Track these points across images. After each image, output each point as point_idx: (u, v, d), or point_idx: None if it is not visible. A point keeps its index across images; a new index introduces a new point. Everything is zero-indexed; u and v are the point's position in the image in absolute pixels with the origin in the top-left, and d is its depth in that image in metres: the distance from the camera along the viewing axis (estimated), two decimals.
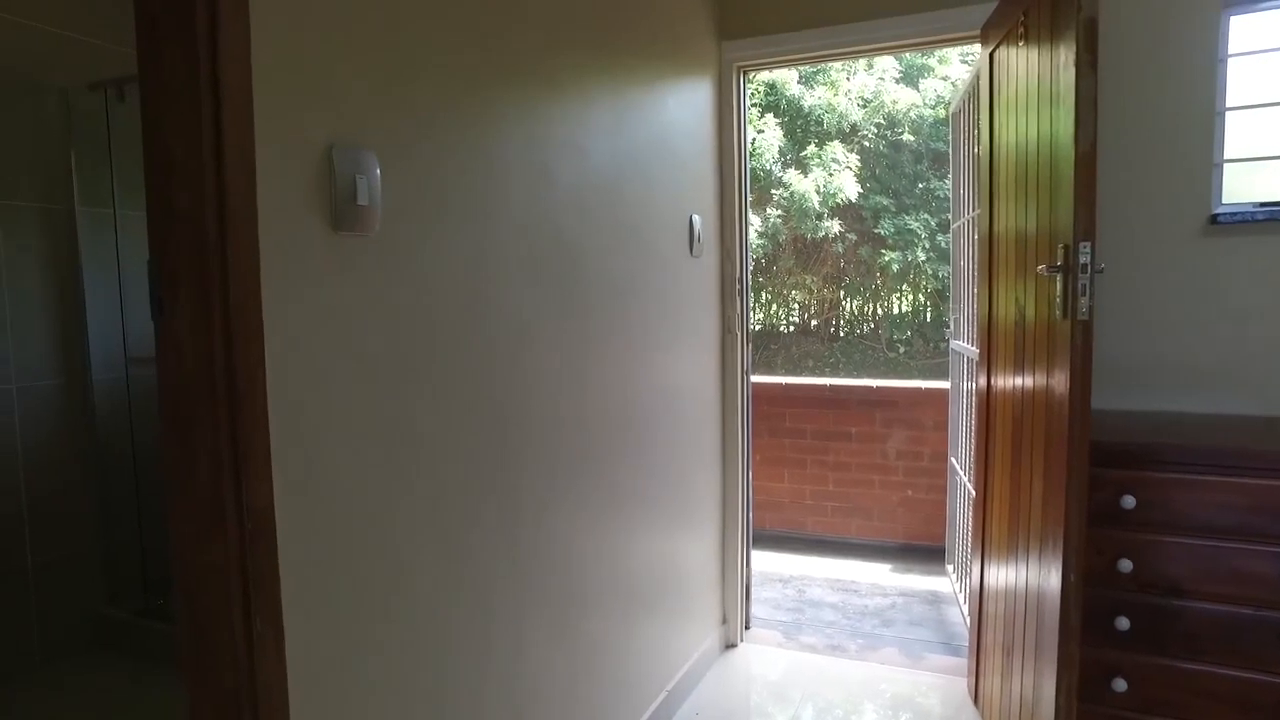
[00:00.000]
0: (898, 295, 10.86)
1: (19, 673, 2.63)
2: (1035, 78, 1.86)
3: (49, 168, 2.71)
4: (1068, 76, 1.58)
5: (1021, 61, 1.99)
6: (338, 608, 1.25)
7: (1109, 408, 2.29)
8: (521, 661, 1.72)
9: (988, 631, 2.35)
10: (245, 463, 1.07)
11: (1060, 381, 1.66)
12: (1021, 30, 1.96)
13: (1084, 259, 1.57)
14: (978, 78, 2.82)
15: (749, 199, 3.02)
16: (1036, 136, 1.86)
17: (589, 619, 1.99)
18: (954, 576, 3.52)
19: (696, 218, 2.62)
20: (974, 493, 2.87)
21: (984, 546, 2.40)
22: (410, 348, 1.39)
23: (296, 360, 1.16)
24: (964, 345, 3.24)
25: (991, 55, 2.32)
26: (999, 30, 2.22)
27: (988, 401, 2.39)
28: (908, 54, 8.74)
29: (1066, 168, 1.61)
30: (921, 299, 10.66)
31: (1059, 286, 1.63)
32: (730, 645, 3.02)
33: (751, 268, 3.24)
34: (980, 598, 2.42)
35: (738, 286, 2.90)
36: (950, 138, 3.59)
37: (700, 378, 2.74)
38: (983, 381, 2.43)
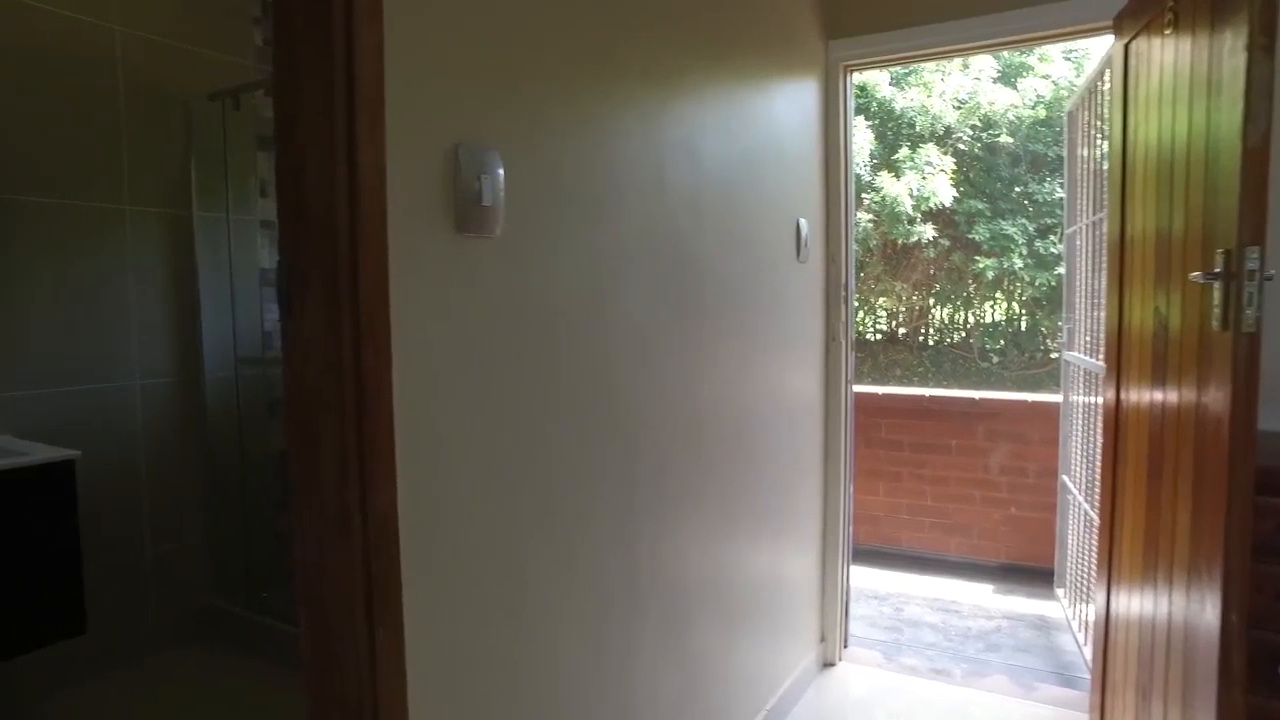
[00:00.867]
0: (991, 303, 10.46)
1: (134, 656, 2.74)
2: (1187, 67, 1.71)
3: (172, 176, 2.82)
4: (1234, 63, 1.44)
5: (1168, 51, 1.84)
6: (454, 617, 1.22)
7: (1272, 428, 2.10)
8: (631, 674, 1.67)
9: (1115, 666, 2.19)
10: (371, 467, 1.05)
11: (1216, 399, 1.52)
12: (1170, 17, 1.81)
13: (1251, 265, 1.43)
14: (1104, 73, 2.65)
15: (854, 202, 2.91)
16: (1187, 131, 1.71)
17: (695, 633, 1.93)
18: (1066, 602, 3.31)
19: (803, 221, 2.54)
20: (1094, 516, 2.69)
21: (1110, 574, 2.23)
22: (530, 352, 1.36)
23: (419, 363, 1.14)
24: (1080, 357, 3.05)
25: (1127, 47, 2.16)
26: (1137, 20, 2.07)
27: (1116, 419, 2.23)
28: (1006, 53, 8.41)
29: (1229, 163, 1.47)
30: (1016, 307, 10.23)
31: (1217, 295, 1.48)
32: (828, 664, 2.91)
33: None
34: (1105, 629, 2.25)
35: (842, 293, 2.80)
36: (1065, 138, 3.40)
37: (805, 386, 2.65)
38: (1110, 396, 2.27)
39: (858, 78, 8.33)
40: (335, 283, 1.03)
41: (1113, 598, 2.22)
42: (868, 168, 8.65)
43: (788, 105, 2.44)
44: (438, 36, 1.17)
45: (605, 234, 1.55)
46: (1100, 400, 2.57)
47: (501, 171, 1.26)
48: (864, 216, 8.87)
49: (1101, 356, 2.65)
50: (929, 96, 8.54)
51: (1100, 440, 2.51)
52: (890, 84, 8.70)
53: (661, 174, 1.73)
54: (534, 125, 1.36)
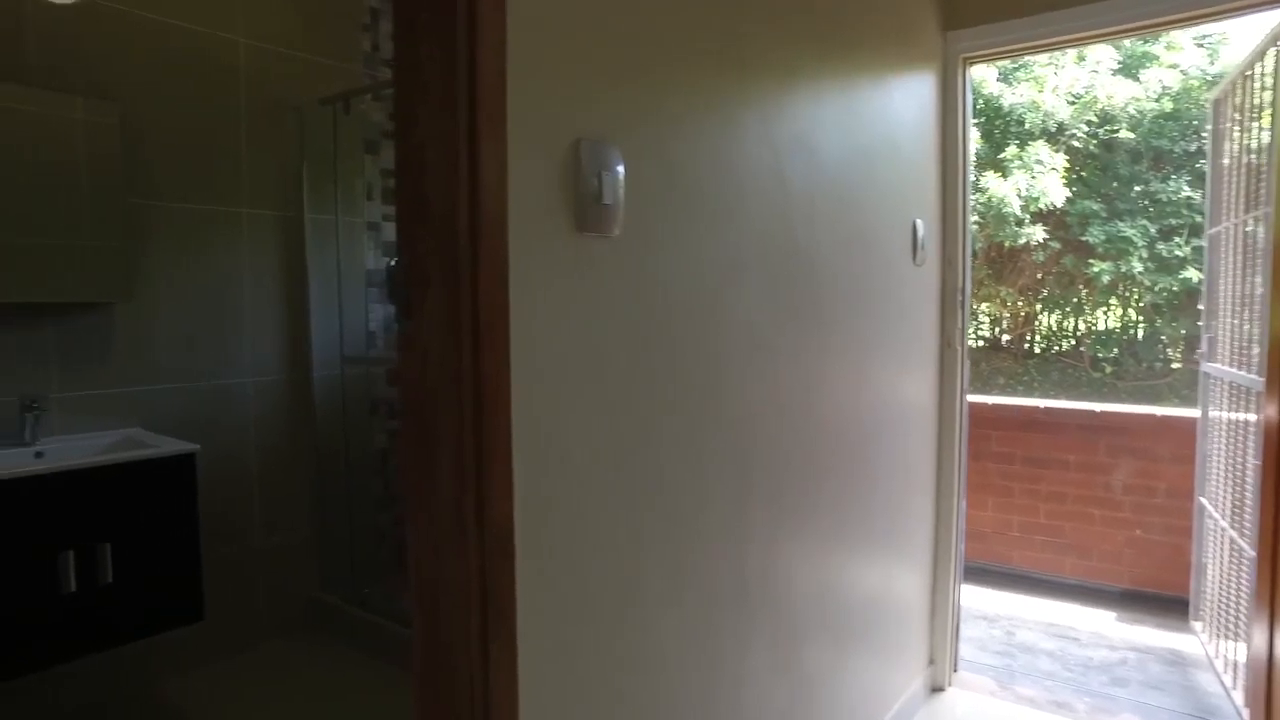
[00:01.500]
0: (1104, 310, 9.85)
1: (245, 643, 2.83)
2: None
3: (286, 179, 2.91)
4: None
5: None
6: (566, 630, 1.18)
7: None
8: (744, 692, 1.60)
9: None
10: (488, 474, 1.01)
11: None
12: None
13: None
14: (1266, 54, 2.42)
15: (969, 203, 2.75)
16: None
17: (804, 649, 1.84)
18: (1206, 637, 3.05)
19: (919, 222, 2.40)
20: (1244, 544, 2.45)
21: (1274, 613, 2.02)
22: (645, 356, 1.30)
23: (536, 366, 1.10)
24: (1224, 369, 2.80)
25: None
26: None
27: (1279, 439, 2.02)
28: (1128, 41, 7.92)
29: None
30: (1133, 314, 9.61)
31: None
32: (937, 688, 2.75)
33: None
34: (1269, 674, 2.04)
35: (959, 297, 2.64)
36: (1210, 129, 3.13)
37: (919, 394, 2.51)
38: (1272, 414, 2.05)
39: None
40: (455, 283, 1.00)
41: (1277, 639, 2.00)
42: (973, 167, 8.28)
43: (904, 100, 2.32)
44: (559, 29, 1.13)
45: (723, 233, 1.48)
46: (1254, 418, 2.34)
47: (621, 168, 1.21)
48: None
49: (1253, 369, 2.42)
50: (1040, 92, 8.11)
51: (1254, 461, 2.28)
52: (998, 79, 8.31)
53: (780, 171, 1.65)
54: (654, 120, 1.31)
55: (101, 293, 2.39)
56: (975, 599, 3.70)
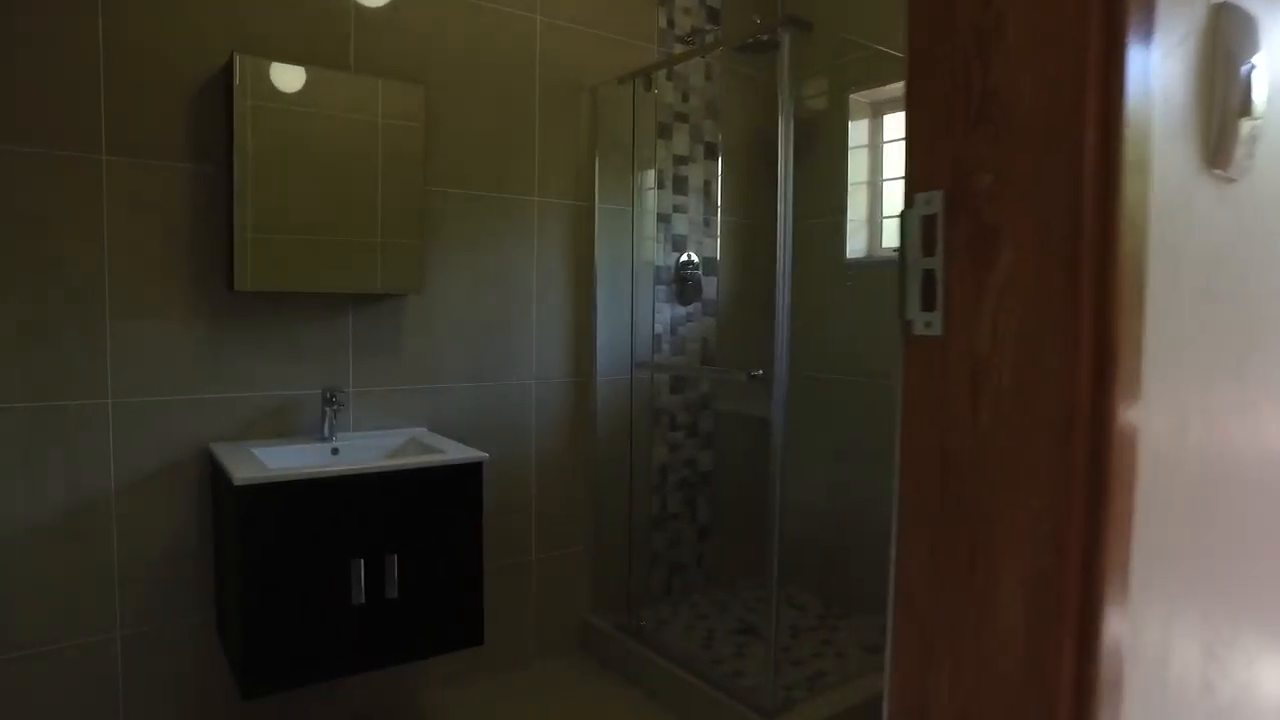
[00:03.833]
0: None
1: (515, 665, 2.62)
2: None
3: (578, 165, 2.67)
4: None
5: None
6: None
7: None
8: None
9: None
10: (1100, 593, 0.56)
11: None
12: None
13: None
14: None
15: None
16: None
17: None
18: None
19: None
20: None
21: None
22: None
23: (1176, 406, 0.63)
24: None
25: None
26: None
27: None
28: None
29: None
30: None
31: None
32: None
33: None
34: None
35: None
36: None
37: None
38: None
39: None
40: (1070, 253, 0.56)
41: None
42: None
43: None
44: None
45: None
46: None
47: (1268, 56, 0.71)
48: None
49: None
50: None
51: None
52: None
53: None
54: None
55: (399, 283, 2.24)
56: None
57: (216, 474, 1.97)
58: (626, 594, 2.76)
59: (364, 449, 2.18)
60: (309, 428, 2.21)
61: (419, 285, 2.28)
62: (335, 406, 2.16)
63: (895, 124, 2.94)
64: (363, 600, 1.92)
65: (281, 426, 2.17)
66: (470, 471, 2.07)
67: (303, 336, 2.19)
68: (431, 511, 2.02)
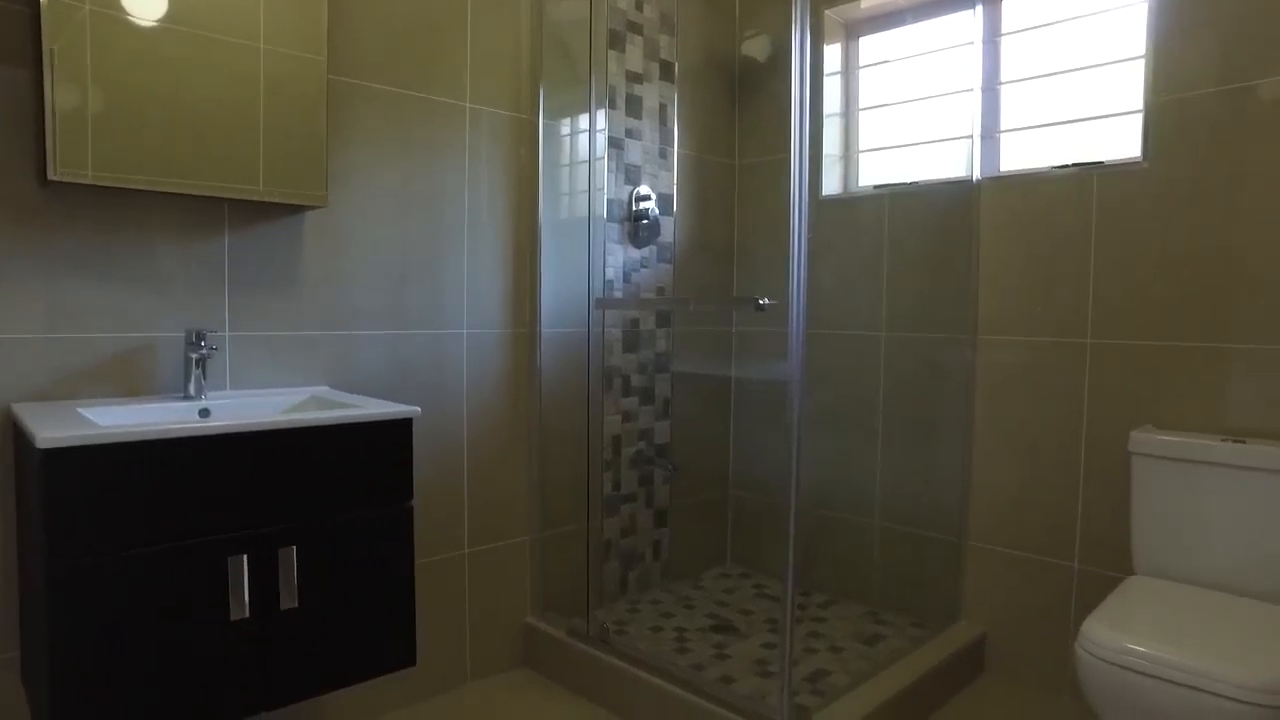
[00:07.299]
0: None
1: (447, 685, 2.09)
2: None
3: (519, 69, 2.17)
4: None
5: None
6: None
7: None
8: None
9: None
10: None
11: None
12: None
13: None
14: None
15: None
16: None
17: None
18: None
19: None
20: None
21: None
22: None
23: None
24: None
25: None
26: None
27: None
28: None
29: None
30: None
31: None
32: None
33: None
34: None
35: None
36: None
37: None
38: None
39: None
40: None
41: None
42: None
43: None
44: None
45: None
46: None
47: None
48: None
49: None
50: None
51: None
52: None
53: None
54: None
55: (291, 188, 1.69)
56: None
57: (20, 444, 1.37)
58: (586, 592, 2.27)
59: (246, 409, 1.62)
60: (169, 385, 1.63)
61: (321, 198, 1.73)
62: (204, 354, 1.59)
63: (871, 47, 2.60)
64: (246, 614, 1.37)
65: (130, 383, 1.59)
66: (395, 431, 1.55)
67: (158, 260, 1.60)
68: (344, 487, 1.48)
